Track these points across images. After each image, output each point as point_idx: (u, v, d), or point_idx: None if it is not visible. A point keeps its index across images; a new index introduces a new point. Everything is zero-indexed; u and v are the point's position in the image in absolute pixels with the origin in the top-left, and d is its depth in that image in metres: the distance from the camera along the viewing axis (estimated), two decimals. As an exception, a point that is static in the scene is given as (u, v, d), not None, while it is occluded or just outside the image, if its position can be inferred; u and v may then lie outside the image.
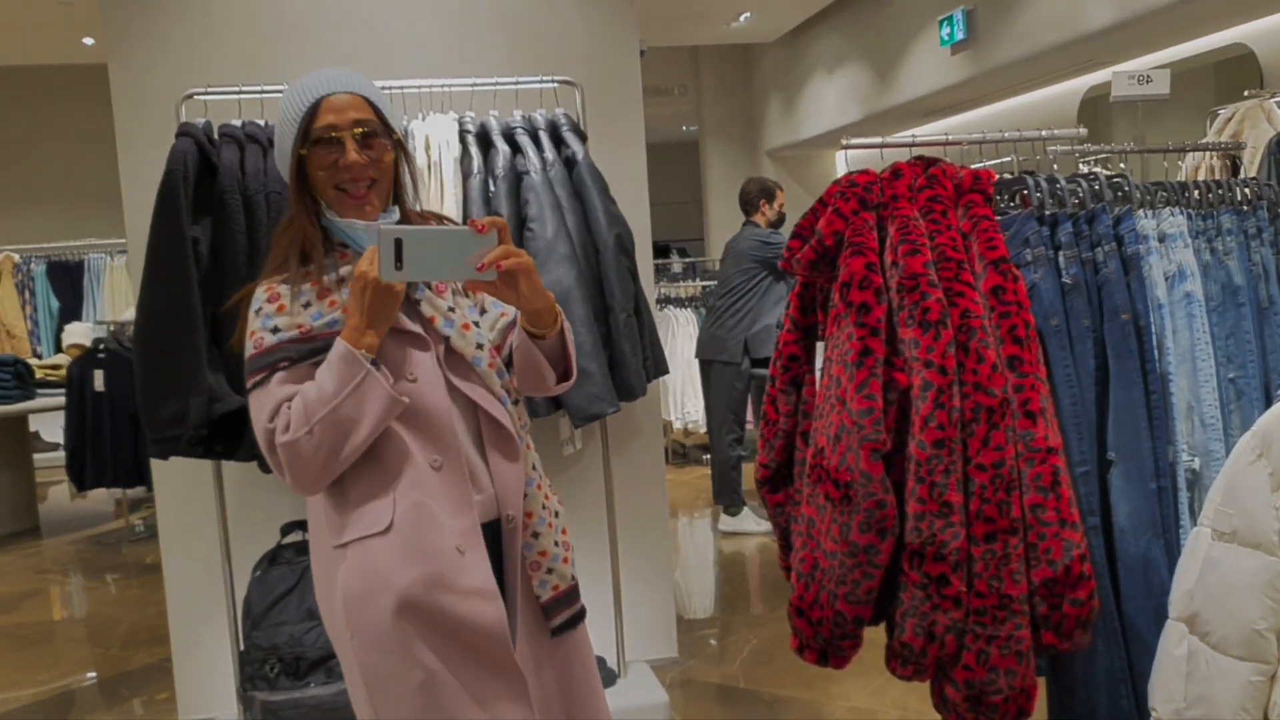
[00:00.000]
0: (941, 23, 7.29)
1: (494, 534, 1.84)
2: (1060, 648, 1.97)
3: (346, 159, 1.76)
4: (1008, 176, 2.27)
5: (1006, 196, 2.27)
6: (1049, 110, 7.27)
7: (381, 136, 1.79)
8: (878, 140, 2.30)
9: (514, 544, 1.85)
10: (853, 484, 1.97)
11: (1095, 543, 2.07)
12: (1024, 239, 2.15)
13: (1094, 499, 2.09)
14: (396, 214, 1.85)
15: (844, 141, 2.36)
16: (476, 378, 1.82)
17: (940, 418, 1.95)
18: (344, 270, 1.80)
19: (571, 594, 1.93)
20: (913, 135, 2.26)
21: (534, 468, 1.91)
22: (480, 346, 1.83)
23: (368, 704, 1.78)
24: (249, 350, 1.76)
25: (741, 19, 9.13)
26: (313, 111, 1.75)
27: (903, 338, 2.01)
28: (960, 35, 7.07)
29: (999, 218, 2.17)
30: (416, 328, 1.79)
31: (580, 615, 1.94)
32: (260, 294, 1.78)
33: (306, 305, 1.76)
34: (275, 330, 1.74)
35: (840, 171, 10.88)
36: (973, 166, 2.27)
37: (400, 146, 1.85)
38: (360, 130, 1.77)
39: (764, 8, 8.85)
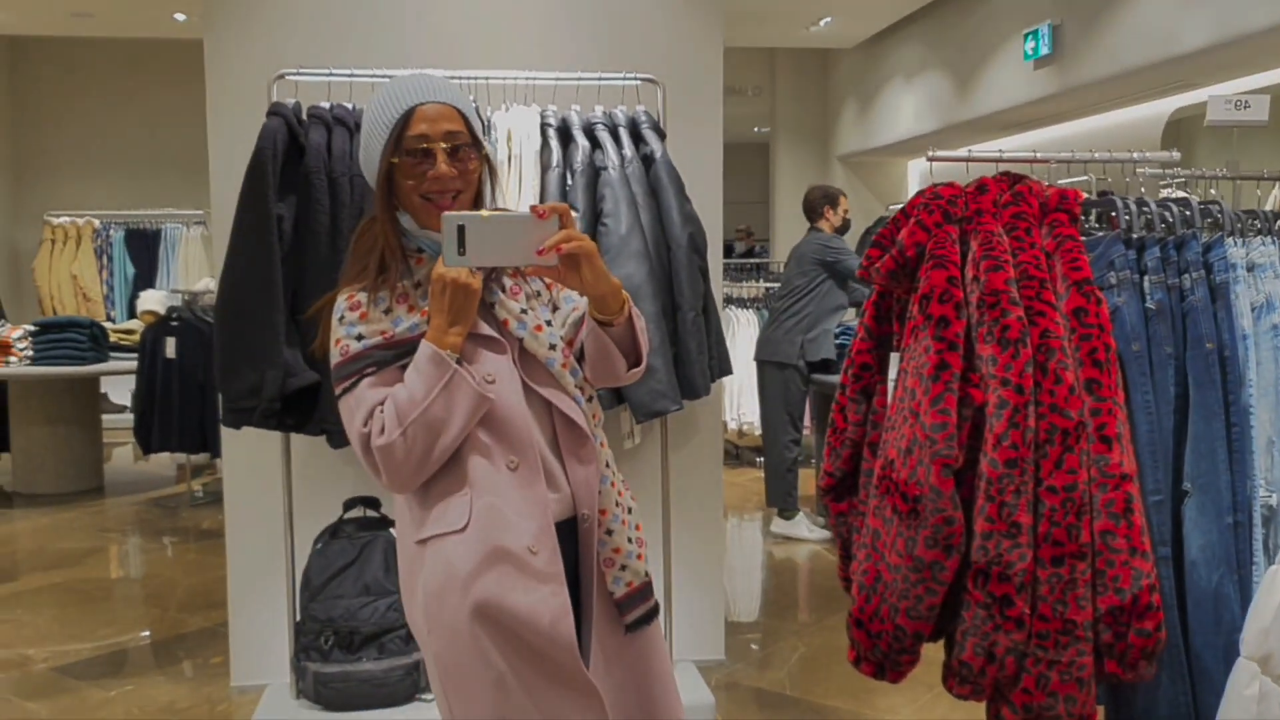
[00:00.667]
0: (1026, 36, 7.20)
1: (570, 532, 1.86)
2: (1124, 678, 1.95)
3: (436, 170, 1.77)
4: (1094, 197, 2.24)
5: (1093, 217, 2.25)
6: (1132, 130, 7.14)
7: (470, 148, 1.81)
8: (964, 153, 2.28)
9: (589, 542, 1.86)
10: (922, 498, 1.96)
11: (1165, 574, 2.04)
12: (1109, 261, 2.12)
13: (1166, 529, 2.06)
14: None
15: (929, 154, 2.35)
16: (550, 379, 1.84)
17: (1014, 437, 1.94)
18: (420, 275, 1.83)
19: (645, 590, 1.93)
20: (999, 150, 2.24)
21: (607, 465, 1.92)
22: (553, 347, 1.85)
23: (444, 699, 1.81)
24: (335, 358, 1.79)
25: (822, 23, 9.09)
26: (406, 120, 1.77)
27: (980, 354, 2.00)
28: (1045, 50, 6.98)
29: (1084, 238, 2.15)
30: (492, 331, 1.81)
31: (654, 612, 1.95)
32: (342, 302, 1.81)
33: (387, 311, 1.79)
34: (360, 338, 1.77)
35: (913, 180, 10.79)
36: (1053, 184, 2.25)
37: (486, 159, 1.87)
38: (451, 142, 1.79)
39: (846, 12, 8.80)
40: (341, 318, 1.79)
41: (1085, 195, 2.20)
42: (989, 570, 1.94)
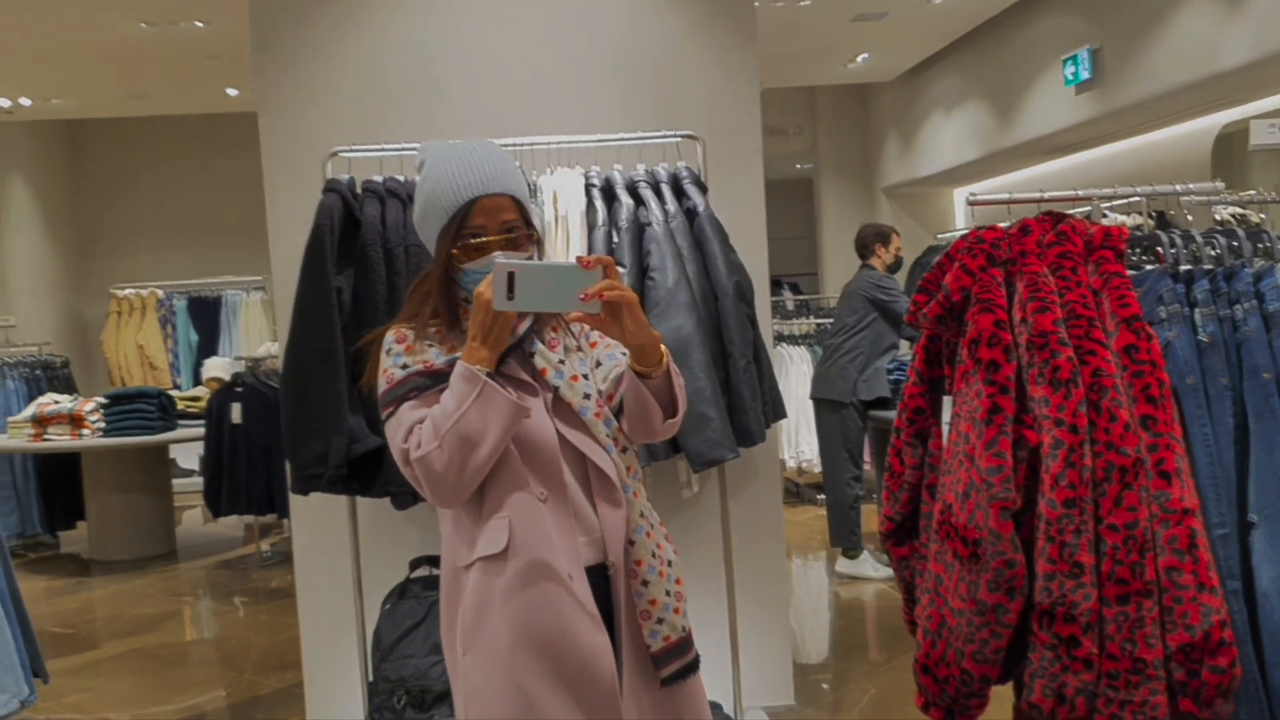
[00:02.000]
0: (1065, 62, 7.19)
1: (600, 577, 1.90)
2: (1200, 716, 1.93)
3: (493, 256, 1.86)
4: (1140, 233, 2.25)
5: (1139, 252, 2.25)
6: (1181, 148, 7.08)
7: (523, 231, 1.91)
8: (1005, 196, 2.30)
9: (618, 589, 1.90)
10: (981, 542, 1.97)
11: (1236, 608, 2.03)
12: (1157, 296, 2.13)
13: (1234, 563, 2.05)
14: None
15: (970, 197, 2.37)
16: (583, 426, 1.91)
17: (1071, 476, 1.95)
18: (465, 324, 1.92)
19: (684, 645, 1.95)
20: (1040, 192, 2.26)
21: (642, 515, 1.96)
22: (587, 396, 1.92)
23: None
24: (381, 386, 1.90)
25: (859, 59, 9.14)
26: (466, 210, 1.87)
27: (1033, 395, 2.01)
28: (1085, 74, 6.96)
29: (1131, 274, 2.16)
30: (528, 377, 1.90)
31: (693, 666, 1.97)
32: (390, 336, 1.93)
33: (430, 346, 1.90)
34: (404, 367, 1.88)
35: (959, 209, 10.75)
36: (1110, 200, 2.26)
37: (539, 242, 1.97)
38: (507, 230, 1.89)
39: (882, 48, 8.84)
40: (389, 350, 1.90)
41: (1130, 231, 2.21)
42: (1054, 611, 1.94)
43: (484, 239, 1.87)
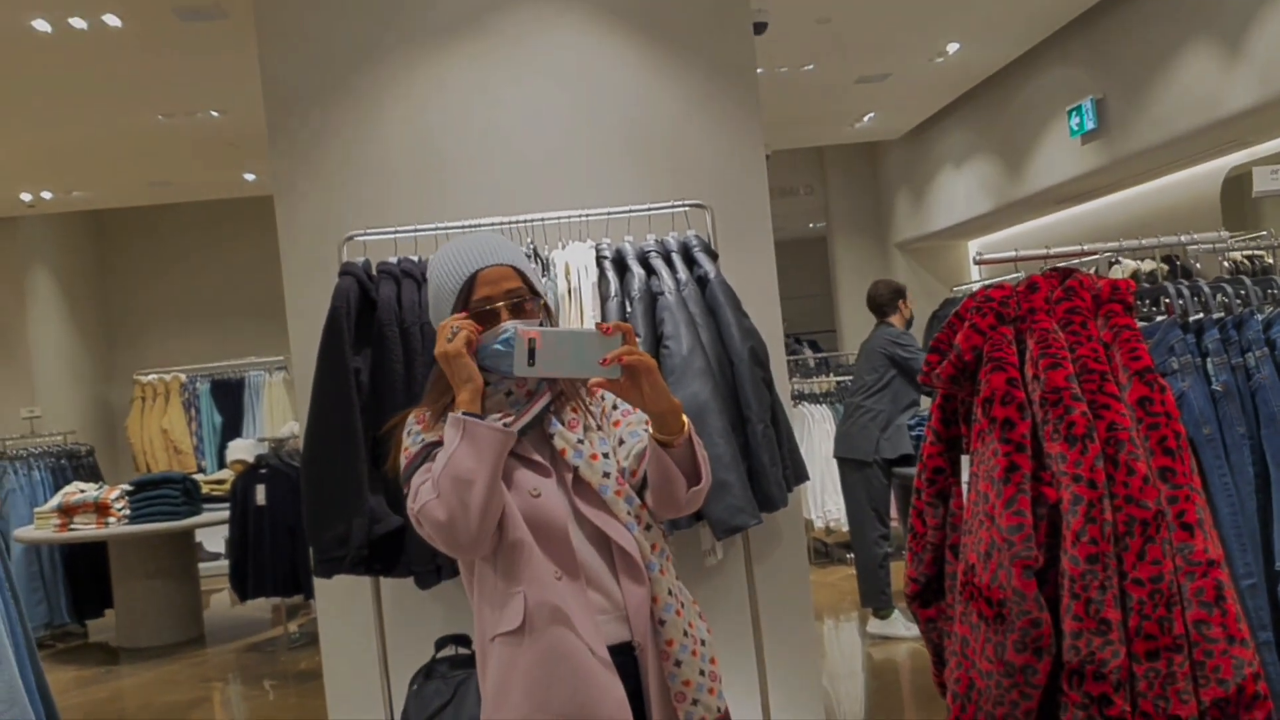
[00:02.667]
0: (1070, 113, 7.24)
1: (628, 656, 1.90)
2: (1235, 772, 1.90)
3: (503, 325, 1.91)
4: (1147, 285, 2.26)
5: (1147, 304, 2.26)
6: (1190, 192, 7.10)
7: (529, 300, 1.96)
8: (1012, 254, 2.32)
9: (646, 668, 1.90)
10: (1006, 602, 1.96)
11: (1270, 659, 2.00)
12: (1168, 347, 2.13)
13: (1264, 613, 2.02)
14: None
15: (976, 256, 2.39)
16: (603, 505, 1.92)
17: (1092, 532, 1.93)
18: (486, 405, 1.95)
19: None
20: (1046, 248, 2.27)
21: (671, 593, 1.95)
22: (607, 475, 1.94)
23: None
24: (403, 464, 1.95)
25: (866, 119, 9.24)
26: (469, 284, 1.93)
27: (1049, 452, 2.01)
28: (1090, 125, 7.01)
29: (1141, 325, 2.16)
30: (541, 458, 1.93)
31: None
32: (411, 419, 1.99)
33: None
34: (422, 443, 1.92)
35: (973, 263, 10.78)
36: (1115, 254, 2.27)
37: (546, 309, 2.01)
38: (512, 300, 1.93)
39: (888, 107, 8.94)
40: (409, 431, 1.96)
41: (1137, 285, 2.22)
42: (1083, 670, 1.92)
43: (490, 306, 1.91)
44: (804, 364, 9.23)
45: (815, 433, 7.57)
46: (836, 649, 5.82)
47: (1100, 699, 1.91)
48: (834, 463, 6.87)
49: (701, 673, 1.92)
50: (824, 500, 7.47)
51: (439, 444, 1.88)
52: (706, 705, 1.91)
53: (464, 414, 1.82)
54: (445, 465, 1.79)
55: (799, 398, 7.86)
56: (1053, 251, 2.31)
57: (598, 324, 1.82)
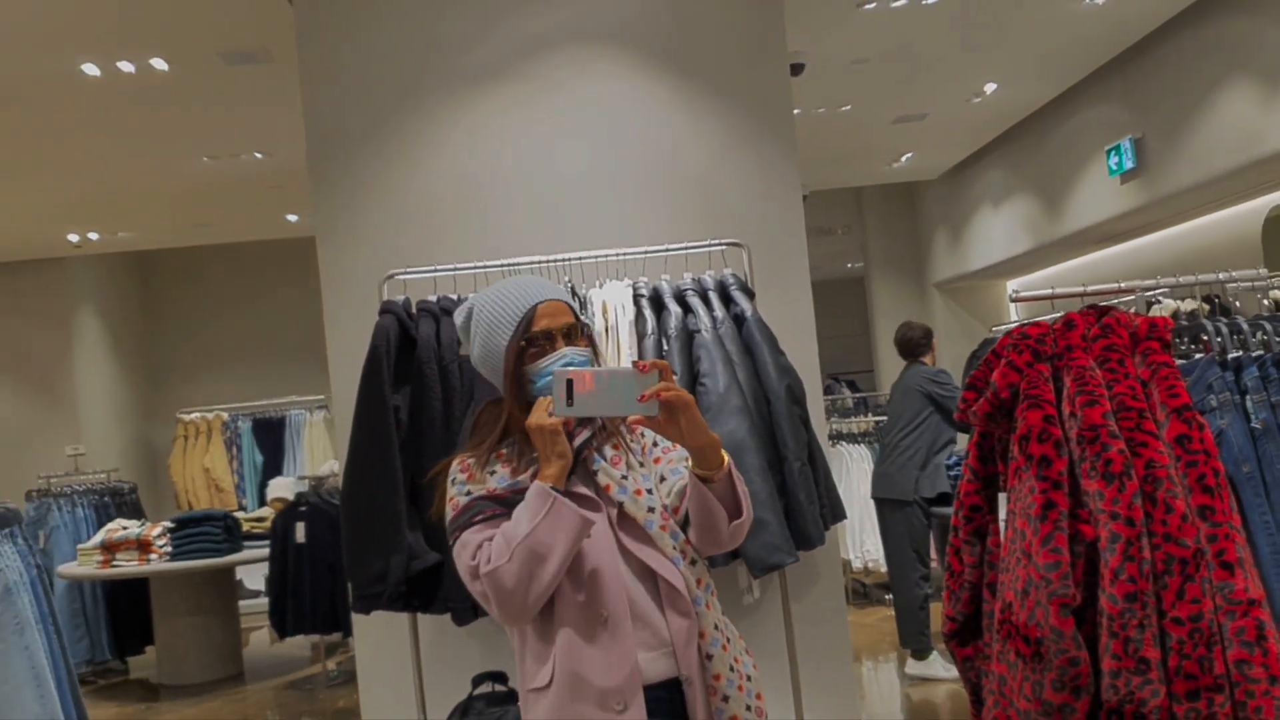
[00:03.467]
0: (1109, 152, 7.23)
1: (676, 691, 1.91)
2: (1280, 816, 1.87)
3: (560, 350, 1.97)
4: (1185, 323, 2.25)
5: (1186, 341, 2.25)
6: (1230, 231, 7.05)
7: (579, 331, 2.01)
8: (1048, 292, 2.32)
9: (694, 703, 1.90)
10: (1043, 640, 1.95)
11: (1311, 701, 1.96)
12: (1207, 385, 2.12)
13: (1306, 653, 1.99)
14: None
15: (1013, 293, 2.39)
16: (649, 540, 1.94)
17: (1130, 570, 1.92)
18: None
19: None
20: (1083, 286, 2.27)
21: (717, 628, 1.96)
22: (652, 510, 1.96)
23: None
24: (449, 514, 1.96)
25: (903, 159, 9.26)
26: (530, 316, 1.97)
27: (1087, 490, 2.00)
28: (1129, 164, 6.99)
29: (1179, 363, 2.15)
30: (589, 492, 1.95)
31: None
32: (455, 467, 2.00)
33: (492, 473, 1.97)
34: (468, 494, 1.94)
35: (1010, 300, 10.72)
36: (1153, 292, 2.26)
37: (592, 344, 2.06)
38: (567, 331, 1.99)
39: (925, 147, 8.96)
40: (454, 480, 1.98)
41: (1175, 322, 2.21)
42: (1122, 710, 1.90)
43: (550, 335, 1.96)
44: (841, 403, 9.20)
45: (853, 472, 7.53)
46: (875, 690, 5.75)
47: (1141, 740, 1.89)
48: (872, 502, 6.83)
49: (748, 708, 1.93)
50: (862, 540, 7.42)
51: (489, 499, 1.91)
52: None
53: (552, 488, 1.84)
54: (525, 537, 1.81)
55: (837, 437, 7.84)
56: (1090, 289, 2.31)
57: (634, 362, 1.85)
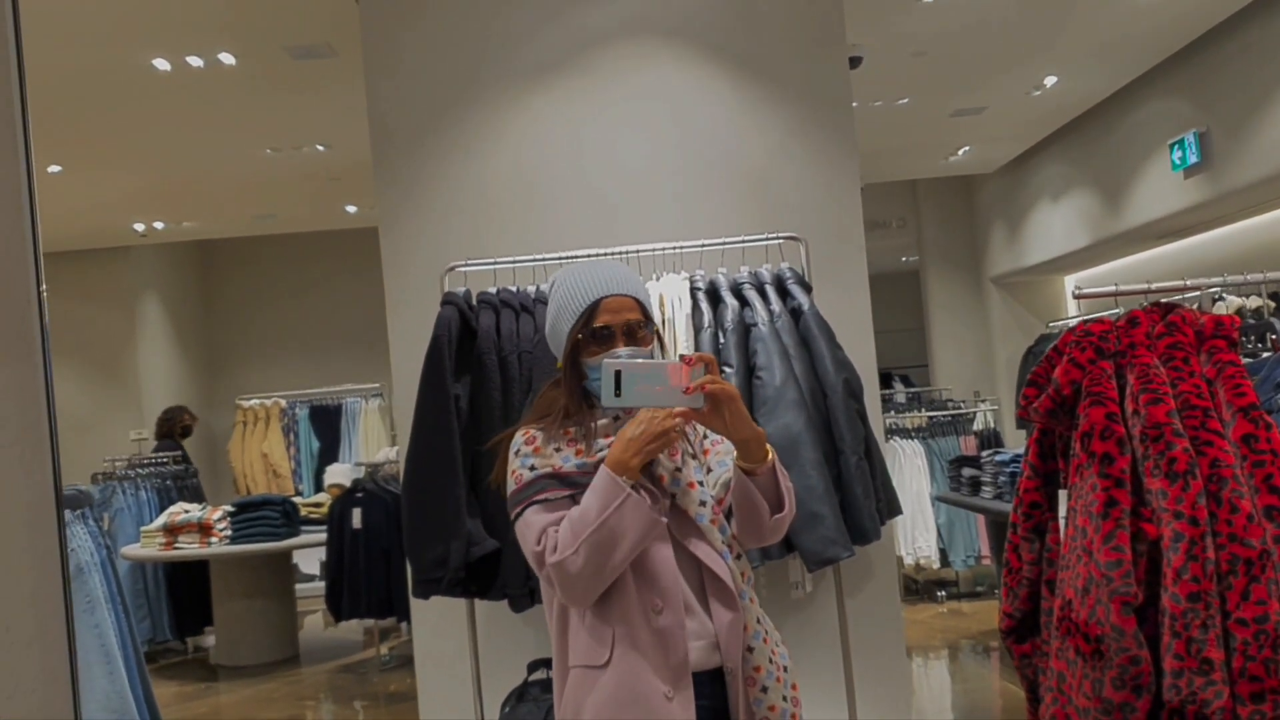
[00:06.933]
0: (1172, 146, 7.11)
1: (719, 682, 1.93)
2: (1345, 820, 1.85)
3: (616, 350, 1.97)
4: (1252, 321, 2.23)
5: (1253, 340, 2.23)
6: (1297, 228, 6.92)
7: (644, 329, 2.01)
8: (1112, 288, 2.31)
9: (735, 693, 1.93)
10: (1104, 638, 1.94)
11: (1378, 705, 1.94)
12: (1275, 383, 2.10)
13: (1374, 658, 1.96)
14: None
15: (1076, 290, 2.38)
16: (699, 533, 1.96)
17: (1194, 570, 1.91)
18: (593, 425, 2.01)
19: None
20: (1148, 283, 2.25)
21: (758, 621, 1.99)
22: (703, 504, 1.98)
23: None
24: (510, 486, 1.99)
25: (961, 152, 9.17)
26: (592, 309, 1.98)
27: (1149, 488, 1.99)
28: (1193, 159, 6.87)
29: (1247, 362, 2.13)
30: (647, 483, 1.95)
31: None
32: (519, 438, 2.02)
33: (557, 450, 1.98)
34: (532, 468, 1.96)
35: (1070, 297, 10.57)
36: (1219, 289, 2.24)
37: (659, 336, 2.08)
38: (629, 328, 1.99)
39: (983, 141, 8.87)
40: (518, 451, 1.99)
41: (1241, 320, 2.19)
42: (1184, 710, 1.89)
43: (608, 332, 1.97)
44: (895, 399, 9.15)
45: (906, 468, 7.49)
46: (925, 688, 5.73)
47: (1203, 740, 1.88)
48: (925, 499, 6.80)
49: (785, 698, 1.96)
50: (915, 537, 7.39)
51: (553, 476, 1.93)
52: None
53: (629, 483, 1.86)
54: (594, 527, 1.83)
55: (891, 433, 7.80)
56: (1154, 286, 2.29)
57: (681, 355, 1.88)
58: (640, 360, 1.90)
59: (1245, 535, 1.90)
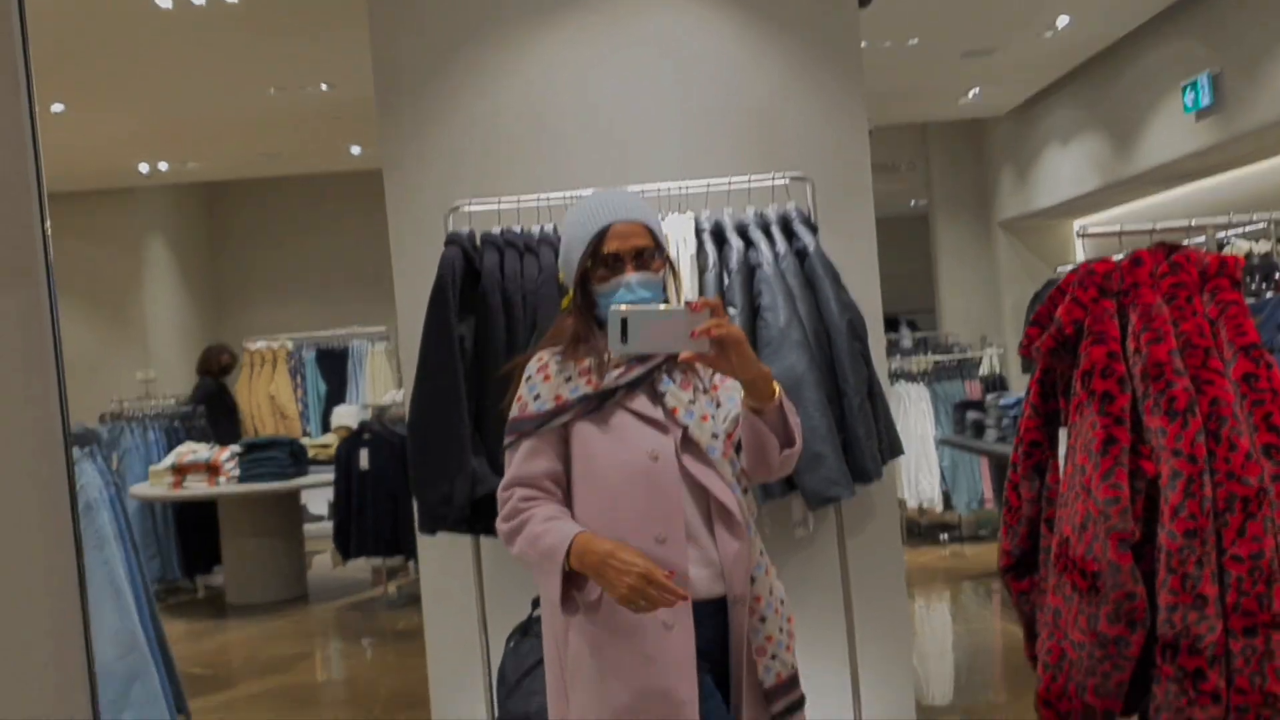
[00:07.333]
0: (1184, 89, 7.03)
1: (720, 610, 1.96)
2: (1333, 752, 1.88)
3: (625, 277, 2.00)
4: (1256, 260, 2.22)
5: (1257, 280, 2.22)
6: (1309, 172, 6.86)
7: (656, 256, 2.03)
8: (1116, 228, 2.30)
9: (739, 621, 1.96)
10: (1100, 574, 1.96)
11: (1370, 641, 1.96)
12: (1277, 323, 2.10)
13: (1367, 594, 1.99)
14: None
15: (1079, 230, 2.37)
16: (710, 464, 1.99)
17: (1191, 507, 1.93)
18: (607, 355, 2.03)
19: (792, 682, 2.02)
20: (1153, 223, 2.25)
21: (761, 553, 2.03)
22: (715, 436, 2.01)
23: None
24: (514, 412, 2.04)
25: (970, 95, 9.08)
26: (601, 235, 2.00)
27: (1149, 426, 2.00)
28: (1206, 101, 6.79)
29: (1250, 302, 2.13)
30: (659, 415, 1.99)
31: (799, 704, 2.03)
32: (532, 364, 2.06)
33: (568, 379, 2.00)
34: (537, 398, 2.00)
35: (1079, 241, 10.52)
36: (1224, 228, 2.24)
37: (671, 268, 2.09)
38: (638, 254, 2.01)
39: (993, 83, 8.77)
40: (528, 378, 2.04)
41: (1245, 260, 2.18)
42: (1177, 644, 1.92)
43: (617, 258, 1.99)
44: (900, 343, 9.15)
45: (912, 412, 7.52)
46: (927, 627, 5.80)
47: (1195, 673, 1.91)
48: (929, 442, 6.83)
49: (781, 629, 2.00)
50: (918, 479, 7.43)
51: (554, 413, 1.97)
52: (783, 661, 1.99)
53: (565, 565, 1.89)
54: (523, 548, 1.95)
55: (896, 376, 7.81)
56: (1159, 226, 2.28)
57: (687, 301, 1.90)
58: (647, 307, 1.91)
59: (1243, 473, 1.92)
